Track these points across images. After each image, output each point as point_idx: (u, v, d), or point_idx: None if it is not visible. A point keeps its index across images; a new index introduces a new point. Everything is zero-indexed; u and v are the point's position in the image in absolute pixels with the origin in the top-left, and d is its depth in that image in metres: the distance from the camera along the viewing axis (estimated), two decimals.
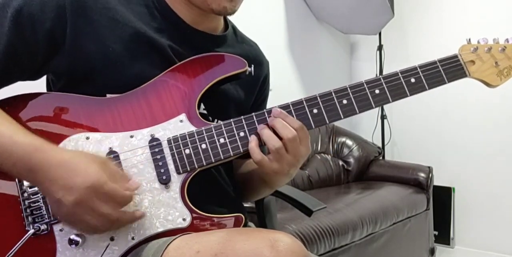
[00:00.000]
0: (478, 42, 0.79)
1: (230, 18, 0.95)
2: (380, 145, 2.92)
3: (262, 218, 1.17)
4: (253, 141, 0.73)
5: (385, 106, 3.01)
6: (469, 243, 2.73)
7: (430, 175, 2.49)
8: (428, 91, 0.78)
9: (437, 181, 2.59)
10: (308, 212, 1.16)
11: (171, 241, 0.67)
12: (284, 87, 2.49)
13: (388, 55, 2.92)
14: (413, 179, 2.48)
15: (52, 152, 0.65)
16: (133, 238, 0.70)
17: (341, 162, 2.69)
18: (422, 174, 2.49)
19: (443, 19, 2.84)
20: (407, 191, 2.36)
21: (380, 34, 2.94)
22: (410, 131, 2.96)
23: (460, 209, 2.73)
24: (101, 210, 0.63)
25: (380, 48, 2.94)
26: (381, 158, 2.83)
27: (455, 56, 0.78)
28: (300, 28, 2.88)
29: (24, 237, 0.67)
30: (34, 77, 0.79)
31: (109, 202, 0.63)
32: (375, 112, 2.93)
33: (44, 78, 0.83)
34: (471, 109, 2.73)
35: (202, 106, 0.83)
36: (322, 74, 3.03)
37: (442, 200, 2.68)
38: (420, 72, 0.77)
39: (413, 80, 0.76)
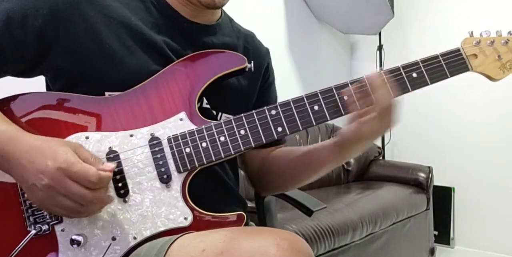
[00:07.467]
0: (481, 35, 0.79)
1: (231, 17, 0.95)
2: (380, 145, 2.92)
3: (262, 218, 1.17)
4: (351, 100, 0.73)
5: None
6: (469, 243, 2.73)
7: (430, 175, 2.50)
8: (428, 91, 0.77)
9: (437, 181, 2.59)
10: (308, 212, 1.16)
11: (174, 240, 0.66)
12: (284, 87, 2.47)
13: (388, 55, 2.92)
14: (413, 179, 2.48)
15: (24, 139, 0.65)
16: (134, 238, 0.70)
17: None
18: (422, 174, 2.49)
19: (443, 19, 2.84)
20: (407, 191, 2.36)
21: (380, 34, 2.94)
22: (410, 131, 2.96)
23: (460, 209, 2.73)
24: (74, 190, 0.62)
25: (380, 48, 2.94)
26: (381, 158, 2.83)
27: (458, 50, 0.78)
28: (300, 28, 2.88)
29: (26, 238, 0.67)
30: (26, 74, 0.77)
31: (81, 181, 0.62)
32: None
33: (44, 78, 0.82)
34: (471, 109, 2.73)
35: (205, 101, 0.82)
36: (322, 74, 3.03)
37: (442, 200, 2.68)
38: (422, 67, 0.76)
39: (414, 75, 0.76)
